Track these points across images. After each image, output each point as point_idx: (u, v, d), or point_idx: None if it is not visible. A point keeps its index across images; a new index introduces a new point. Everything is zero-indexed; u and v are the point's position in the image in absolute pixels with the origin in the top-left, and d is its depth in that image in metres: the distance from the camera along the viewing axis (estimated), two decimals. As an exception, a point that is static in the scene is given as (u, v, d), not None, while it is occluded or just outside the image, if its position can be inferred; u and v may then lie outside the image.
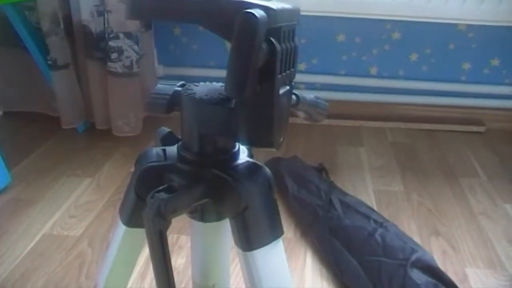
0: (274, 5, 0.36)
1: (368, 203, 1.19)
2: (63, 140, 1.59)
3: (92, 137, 1.60)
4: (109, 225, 1.14)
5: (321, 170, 1.35)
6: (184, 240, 1.08)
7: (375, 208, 1.19)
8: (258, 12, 0.34)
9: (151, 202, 0.40)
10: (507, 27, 1.60)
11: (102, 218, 1.17)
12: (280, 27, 0.37)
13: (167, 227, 0.41)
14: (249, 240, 0.45)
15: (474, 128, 1.76)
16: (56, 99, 1.57)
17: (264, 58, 0.36)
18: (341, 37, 1.73)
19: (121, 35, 1.45)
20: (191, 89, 0.45)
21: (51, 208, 1.21)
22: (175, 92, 0.44)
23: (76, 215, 1.18)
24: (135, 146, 1.53)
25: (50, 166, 1.41)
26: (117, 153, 1.50)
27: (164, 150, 0.48)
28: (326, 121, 1.74)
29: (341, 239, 1.05)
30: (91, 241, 1.09)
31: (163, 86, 0.44)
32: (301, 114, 0.53)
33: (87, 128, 1.65)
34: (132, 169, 1.39)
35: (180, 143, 0.48)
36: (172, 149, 0.48)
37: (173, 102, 0.44)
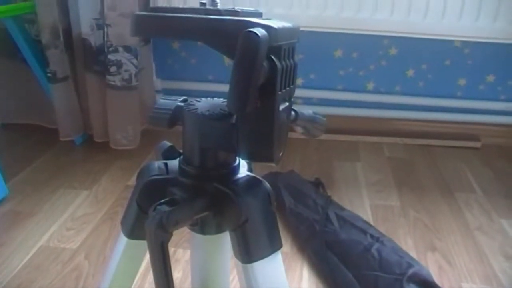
0: (275, 24, 0.37)
1: (365, 218, 1.19)
2: (60, 152, 1.59)
3: (90, 150, 1.61)
4: (106, 238, 1.14)
5: (318, 184, 1.36)
6: (181, 253, 1.08)
7: (372, 223, 1.19)
8: (260, 31, 0.35)
9: (153, 215, 0.40)
10: (503, 44, 1.62)
11: (99, 231, 1.17)
12: (281, 46, 0.38)
13: (168, 239, 0.41)
14: (249, 252, 0.46)
15: (470, 144, 1.78)
16: (54, 111, 1.57)
17: (265, 75, 0.37)
18: (338, 53, 1.75)
19: (120, 49, 1.46)
20: (193, 105, 0.46)
21: (48, 220, 1.21)
22: (177, 107, 0.46)
23: (73, 227, 1.18)
24: (133, 159, 1.53)
25: (47, 179, 1.41)
26: (115, 166, 1.50)
27: (166, 164, 0.49)
28: (323, 136, 1.75)
29: (338, 253, 1.05)
30: (88, 253, 1.09)
31: (165, 101, 0.45)
32: (299, 129, 0.54)
33: (85, 140, 1.66)
34: (129, 182, 1.39)
35: (181, 157, 0.49)
36: (174, 163, 0.49)
37: (175, 117, 0.45)
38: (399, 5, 1.52)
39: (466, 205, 1.36)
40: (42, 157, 1.55)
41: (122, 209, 1.27)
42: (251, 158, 0.43)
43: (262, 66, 0.36)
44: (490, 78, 1.75)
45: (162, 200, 0.42)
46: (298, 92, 1.78)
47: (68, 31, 1.52)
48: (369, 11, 1.53)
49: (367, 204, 1.34)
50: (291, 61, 0.41)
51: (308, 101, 1.79)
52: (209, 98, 0.48)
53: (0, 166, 1.27)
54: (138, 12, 0.38)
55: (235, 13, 0.39)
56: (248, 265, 0.46)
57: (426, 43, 1.67)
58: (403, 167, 1.59)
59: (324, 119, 0.55)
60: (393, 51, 1.73)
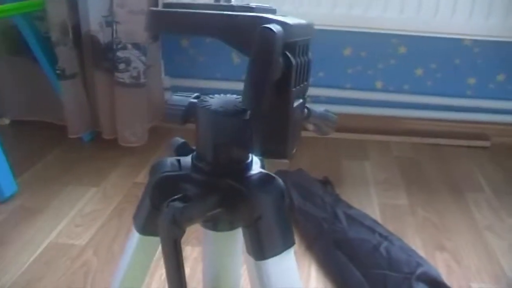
0: (290, 21, 0.37)
1: (373, 217, 1.19)
2: (69, 149, 1.60)
3: (98, 147, 1.61)
4: (115, 234, 1.15)
5: (326, 183, 1.35)
6: (189, 251, 1.08)
7: (380, 222, 1.19)
8: (276, 27, 0.35)
9: (167, 211, 0.40)
10: (513, 42, 1.61)
11: (108, 227, 1.18)
12: (296, 42, 0.38)
13: (181, 236, 0.41)
14: (262, 249, 0.46)
15: (479, 143, 1.76)
16: (63, 108, 1.58)
17: (280, 71, 0.37)
18: (347, 51, 1.74)
19: (129, 46, 1.46)
20: (207, 101, 0.46)
21: (57, 216, 1.21)
22: (191, 103, 0.45)
23: (82, 224, 1.19)
24: (141, 156, 1.53)
25: (56, 175, 1.42)
26: (123, 163, 1.50)
27: (178, 160, 0.49)
28: (331, 135, 1.74)
29: (346, 252, 1.05)
30: (96, 250, 1.09)
31: (179, 98, 0.46)
32: (310, 126, 0.54)
33: (93, 137, 1.66)
34: (137, 179, 1.39)
35: (194, 153, 0.48)
36: (187, 159, 0.49)
37: (189, 113, 0.45)
38: (409, 3, 1.51)
39: (475, 204, 1.35)
40: (51, 154, 1.56)
41: (131, 205, 1.28)
42: (265, 155, 0.43)
43: (278, 62, 0.36)
44: (501, 77, 1.74)
45: (175, 196, 0.42)
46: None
47: (77, 28, 1.52)
48: (378, 9, 1.52)
49: (375, 203, 1.33)
50: (306, 57, 0.41)
51: (316, 99, 1.79)
52: (222, 95, 0.48)
53: (9, 163, 1.27)
54: (153, 8, 0.38)
55: (250, 9, 0.39)
56: (261, 262, 0.46)
57: (435, 41, 1.66)
58: (411, 166, 1.58)
59: (336, 116, 0.55)
60: (402, 50, 1.73)
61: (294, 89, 0.39)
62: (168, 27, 0.41)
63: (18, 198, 1.29)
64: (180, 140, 0.51)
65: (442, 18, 1.52)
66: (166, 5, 0.39)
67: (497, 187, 1.46)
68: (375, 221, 1.16)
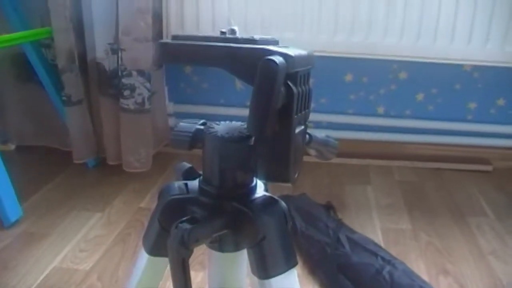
0: (292, 52, 0.39)
1: (376, 242, 1.19)
2: (74, 174, 1.61)
3: (103, 172, 1.63)
4: (119, 259, 1.15)
5: (329, 208, 1.36)
6: (192, 275, 1.07)
7: (383, 246, 1.19)
8: (278, 59, 0.37)
9: (175, 232, 0.42)
10: (512, 68, 1.63)
11: (112, 252, 1.18)
12: (297, 72, 0.40)
13: (189, 256, 0.43)
14: (266, 268, 0.48)
15: (481, 167, 1.77)
16: (68, 134, 1.60)
17: (282, 100, 0.39)
18: (348, 77, 1.77)
19: (134, 73, 1.49)
20: (213, 128, 0.48)
21: (62, 241, 1.22)
22: (197, 130, 0.48)
23: (86, 249, 1.19)
24: (145, 182, 1.55)
25: (61, 200, 1.43)
26: (127, 189, 1.52)
27: (186, 184, 0.51)
28: (334, 160, 1.75)
29: (349, 276, 1.05)
30: (101, 275, 1.09)
31: (185, 124, 0.48)
32: (312, 152, 0.56)
33: (98, 163, 1.68)
34: (142, 205, 1.40)
35: (201, 177, 0.51)
36: (194, 183, 0.51)
37: (196, 139, 0.48)
38: (409, 29, 1.53)
39: (478, 229, 1.35)
40: (56, 179, 1.57)
41: (135, 231, 1.29)
42: (269, 178, 0.45)
43: (280, 92, 0.38)
44: (501, 101, 1.76)
45: (183, 218, 0.44)
46: (309, 116, 1.80)
47: (83, 56, 1.55)
48: (378, 36, 1.55)
49: (378, 227, 1.34)
50: (307, 86, 0.43)
51: (319, 125, 1.80)
52: (227, 122, 0.51)
53: (15, 188, 1.29)
54: (163, 40, 0.41)
55: (254, 41, 0.41)
56: (265, 281, 0.48)
57: (436, 67, 1.68)
58: (413, 190, 1.59)
59: (337, 142, 0.57)
60: (403, 75, 1.75)
61: (295, 116, 0.41)
62: (177, 58, 0.43)
63: (23, 223, 1.30)
64: (186, 165, 0.53)
65: (442, 44, 1.54)
66: (174, 37, 0.41)
67: (500, 212, 1.46)
68: (378, 246, 1.16)
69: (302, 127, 0.45)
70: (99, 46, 1.50)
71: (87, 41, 1.53)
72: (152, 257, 0.54)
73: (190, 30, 1.56)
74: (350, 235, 1.17)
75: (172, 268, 0.44)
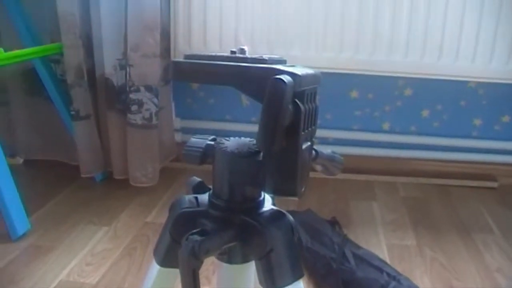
0: (299, 71, 0.41)
1: (381, 257, 1.20)
2: (81, 188, 1.63)
3: (110, 187, 1.64)
4: (125, 273, 1.16)
5: (334, 223, 1.36)
6: None
7: (388, 262, 1.20)
8: (286, 78, 0.39)
9: (186, 244, 0.44)
10: (517, 85, 1.64)
11: (118, 266, 1.19)
12: (304, 91, 0.42)
13: (199, 267, 0.45)
14: (273, 279, 0.49)
15: (487, 184, 1.77)
16: (76, 148, 1.62)
17: (290, 117, 0.40)
18: (354, 94, 1.78)
19: (142, 88, 1.51)
20: (223, 143, 0.50)
21: (68, 255, 1.23)
22: (208, 145, 0.50)
23: (93, 263, 1.20)
24: (152, 196, 1.56)
25: (68, 214, 1.44)
26: (134, 203, 1.53)
27: (196, 198, 0.53)
28: (339, 176, 1.75)
29: (355, 292, 1.05)
30: (107, 289, 1.10)
31: (196, 140, 0.50)
32: (319, 167, 0.57)
33: (105, 177, 1.69)
34: (148, 219, 1.42)
35: (211, 191, 0.52)
36: (204, 197, 0.53)
37: (206, 154, 0.50)
38: (413, 46, 1.55)
39: (484, 245, 1.35)
40: (63, 193, 1.59)
41: (141, 245, 1.30)
42: (276, 193, 0.47)
43: (288, 109, 0.39)
44: (506, 118, 1.77)
45: (194, 231, 0.46)
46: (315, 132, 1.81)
47: (92, 71, 1.57)
48: (384, 52, 1.56)
49: (383, 243, 1.34)
50: (313, 104, 0.44)
51: (324, 141, 1.82)
52: (236, 138, 0.52)
53: (23, 201, 1.30)
54: (176, 59, 0.42)
55: (263, 60, 0.42)
56: None
57: (441, 84, 1.69)
58: (418, 206, 1.59)
59: (342, 158, 0.58)
60: (408, 92, 1.76)
61: (303, 133, 0.43)
62: (188, 76, 0.45)
63: (31, 236, 1.31)
64: (197, 179, 0.55)
65: (446, 61, 1.55)
66: (187, 56, 0.43)
67: (506, 229, 1.46)
68: (383, 261, 1.16)
69: (309, 143, 0.46)
70: (107, 62, 1.52)
71: (96, 57, 1.55)
72: (163, 268, 0.56)
73: (197, 46, 1.59)
74: (356, 251, 1.18)
75: (182, 279, 0.45)
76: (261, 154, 0.46)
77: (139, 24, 1.46)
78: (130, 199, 1.55)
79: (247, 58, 0.43)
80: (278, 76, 0.38)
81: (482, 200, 1.66)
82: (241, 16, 1.56)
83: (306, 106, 0.42)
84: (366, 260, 1.14)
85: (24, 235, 1.30)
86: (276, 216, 0.51)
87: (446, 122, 1.79)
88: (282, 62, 0.44)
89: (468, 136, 1.80)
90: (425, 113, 1.79)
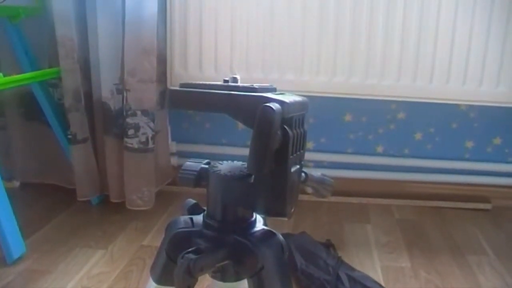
0: (287, 99, 0.43)
1: (376, 279, 1.20)
2: (77, 212, 1.63)
3: (106, 210, 1.65)
4: (121, 296, 1.16)
5: (329, 246, 1.37)
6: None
7: (383, 284, 1.20)
8: (275, 105, 0.41)
9: (181, 262, 0.46)
10: (506, 107, 1.66)
11: (114, 289, 1.19)
12: (292, 117, 0.45)
13: (194, 284, 0.47)
14: None
15: (481, 206, 1.79)
16: (73, 172, 1.63)
17: (279, 142, 0.43)
18: (347, 117, 1.81)
19: (139, 113, 1.53)
20: (216, 167, 0.52)
21: (64, 278, 1.23)
22: (202, 168, 0.52)
23: (89, 286, 1.20)
24: (148, 220, 1.57)
25: (64, 237, 1.45)
26: (130, 226, 1.53)
27: (191, 218, 0.55)
28: (333, 198, 1.78)
29: (349, 314, 1.06)
30: (103, 312, 1.10)
31: (191, 164, 0.52)
32: (309, 189, 0.59)
33: (101, 201, 1.70)
34: (144, 242, 1.43)
35: (205, 212, 0.55)
36: (198, 218, 0.55)
37: (200, 177, 0.52)
38: (405, 71, 1.57)
39: (478, 267, 1.36)
40: (59, 216, 1.59)
41: (137, 268, 1.30)
42: (267, 213, 0.50)
43: (277, 135, 0.42)
44: (497, 140, 1.79)
45: (189, 249, 0.48)
46: (309, 156, 1.83)
47: (89, 95, 1.59)
48: (376, 77, 1.59)
49: (377, 265, 1.35)
50: (301, 129, 0.47)
51: (319, 164, 1.83)
52: (229, 161, 0.55)
53: (19, 224, 1.31)
54: (173, 88, 0.45)
55: (253, 89, 0.45)
56: None
57: (433, 107, 1.71)
58: (413, 229, 1.60)
59: (332, 180, 0.60)
60: (401, 115, 1.79)
61: (291, 156, 0.45)
62: (184, 104, 0.48)
63: (26, 260, 1.31)
64: (192, 201, 0.58)
65: (438, 84, 1.57)
66: (182, 85, 0.46)
67: (500, 250, 1.47)
68: (377, 283, 1.17)
69: (298, 166, 0.48)
70: (105, 87, 1.54)
71: (93, 82, 1.58)
72: (159, 286, 0.58)
73: (193, 70, 1.61)
74: (350, 273, 1.18)
75: None
76: (252, 177, 0.48)
77: (136, 48, 1.48)
78: (126, 223, 1.55)
79: (238, 86, 0.45)
80: (267, 104, 0.41)
81: (476, 222, 1.67)
82: (236, 41, 1.59)
83: (294, 131, 0.45)
84: (361, 282, 1.14)
85: (19, 258, 1.30)
86: (267, 235, 0.53)
87: (439, 145, 1.81)
88: (271, 90, 0.47)
89: (460, 158, 1.82)
90: (418, 136, 1.81)
